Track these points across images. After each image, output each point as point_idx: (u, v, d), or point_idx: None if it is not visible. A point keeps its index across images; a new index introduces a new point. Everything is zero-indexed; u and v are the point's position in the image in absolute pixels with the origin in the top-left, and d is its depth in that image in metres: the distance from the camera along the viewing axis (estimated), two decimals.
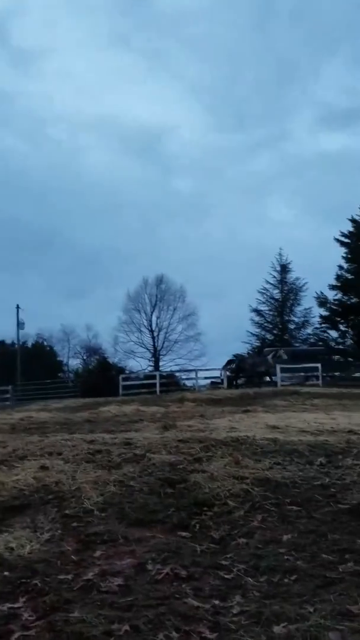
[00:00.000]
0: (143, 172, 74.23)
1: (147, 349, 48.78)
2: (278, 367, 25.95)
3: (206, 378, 30.04)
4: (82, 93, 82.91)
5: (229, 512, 4.25)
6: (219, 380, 28.26)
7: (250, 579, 2.97)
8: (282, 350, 21.40)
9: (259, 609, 2.59)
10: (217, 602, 2.70)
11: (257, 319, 47.28)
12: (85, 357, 52.92)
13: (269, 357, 22.55)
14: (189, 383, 30.52)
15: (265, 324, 47.59)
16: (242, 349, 47.34)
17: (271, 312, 47.84)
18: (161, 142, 78.17)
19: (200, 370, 32.33)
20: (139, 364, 47.76)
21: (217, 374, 29.55)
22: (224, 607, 2.65)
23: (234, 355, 27.52)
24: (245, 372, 23.90)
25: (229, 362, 26.86)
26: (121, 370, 38.06)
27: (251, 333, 46.92)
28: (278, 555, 3.30)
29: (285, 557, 3.27)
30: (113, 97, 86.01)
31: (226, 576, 3.03)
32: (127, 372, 38.21)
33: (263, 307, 47.61)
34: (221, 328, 52.33)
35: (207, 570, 3.12)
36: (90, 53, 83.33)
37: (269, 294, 47.72)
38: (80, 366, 50.75)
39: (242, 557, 3.31)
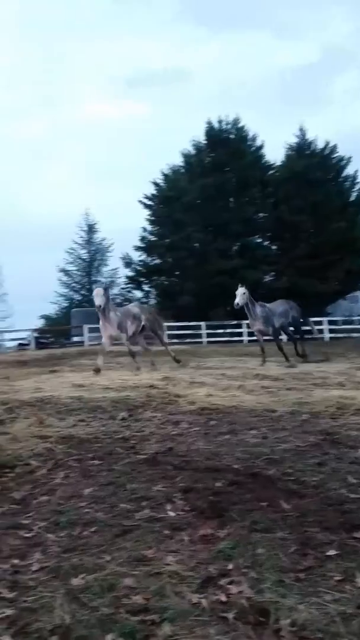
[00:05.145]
0: None
1: None
2: (85, 327, 26.11)
3: (13, 340, 29.08)
4: None
5: (31, 471, 4.25)
6: (26, 342, 27.54)
7: (50, 535, 3.04)
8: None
9: (58, 563, 2.67)
10: (16, 561, 2.72)
11: (65, 279, 46.76)
12: None
13: None
14: None
15: (74, 284, 47.29)
16: (50, 309, 46.59)
17: (79, 273, 47.64)
18: None
19: (6, 332, 31.20)
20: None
21: (24, 335, 28.78)
22: (24, 566, 2.67)
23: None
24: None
25: None
26: None
27: (59, 293, 46.34)
28: (79, 509, 3.41)
29: (86, 510, 3.39)
30: None
31: (26, 535, 3.06)
32: None
33: (71, 267, 47.20)
34: (28, 289, 50.46)
35: (8, 531, 3.11)
36: None
37: (76, 254, 47.41)
38: None
39: (43, 514, 3.36)
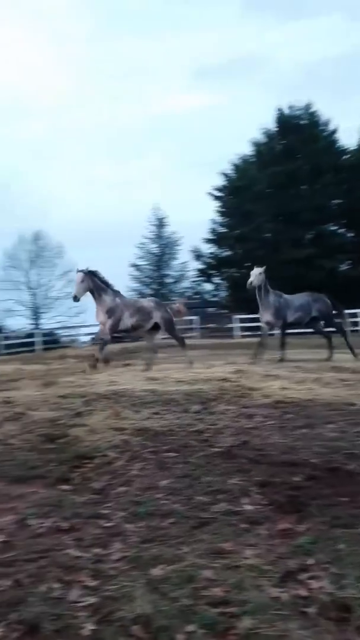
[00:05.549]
0: None
1: (27, 307, 47.15)
2: None
3: (87, 334, 30.02)
4: None
5: (109, 463, 4.35)
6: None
7: (129, 525, 3.10)
8: None
9: (138, 553, 2.72)
10: (97, 550, 2.80)
11: (135, 273, 47.52)
12: None
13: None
14: (70, 340, 30.31)
15: (144, 279, 48.02)
16: None
17: (149, 267, 48.29)
18: None
19: (82, 326, 32.23)
20: (19, 322, 45.93)
21: (98, 329, 29.57)
22: (105, 555, 2.74)
23: None
24: None
25: None
26: (0, 329, 36.82)
27: (130, 288, 47.24)
28: (156, 500, 3.46)
29: (163, 501, 3.43)
30: None
31: (106, 524, 3.13)
32: (6, 331, 36.94)
33: (141, 262, 47.92)
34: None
35: (88, 521, 3.20)
36: None
37: (146, 248, 48.08)
38: None
39: (122, 504, 3.43)
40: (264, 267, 12.50)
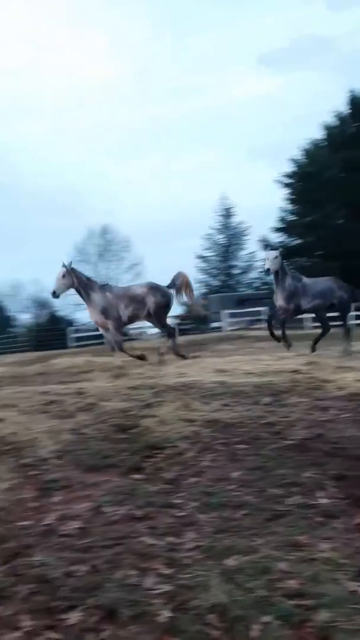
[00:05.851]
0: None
1: None
2: (224, 312, 26.38)
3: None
4: None
5: (179, 453, 4.37)
6: None
7: (202, 516, 3.11)
8: None
9: (212, 543, 2.73)
10: (171, 539, 2.83)
11: (202, 265, 47.47)
12: (35, 312, 51.75)
13: None
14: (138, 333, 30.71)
15: (211, 270, 47.90)
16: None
17: (216, 258, 48.12)
18: None
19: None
20: (89, 316, 46.97)
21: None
22: (178, 544, 2.77)
23: None
24: None
25: None
26: (71, 322, 37.88)
27: (197, 280, 47.31)
28: (227, 491, 3.45)
29: (235, 493, 3.42)
30: None
31: (179, 514, 3.16)
32: (77, 324, 37.98)
33: (208, 253, 47.82)
34: (168, 277, 52.48)
35: (161, 510, 3.23)
36: None
37: (213, 239, 47.91)
38: (31, 320, 49.60)
39: (194, 495, 3.44)
40: (280, 250, 11.76)
